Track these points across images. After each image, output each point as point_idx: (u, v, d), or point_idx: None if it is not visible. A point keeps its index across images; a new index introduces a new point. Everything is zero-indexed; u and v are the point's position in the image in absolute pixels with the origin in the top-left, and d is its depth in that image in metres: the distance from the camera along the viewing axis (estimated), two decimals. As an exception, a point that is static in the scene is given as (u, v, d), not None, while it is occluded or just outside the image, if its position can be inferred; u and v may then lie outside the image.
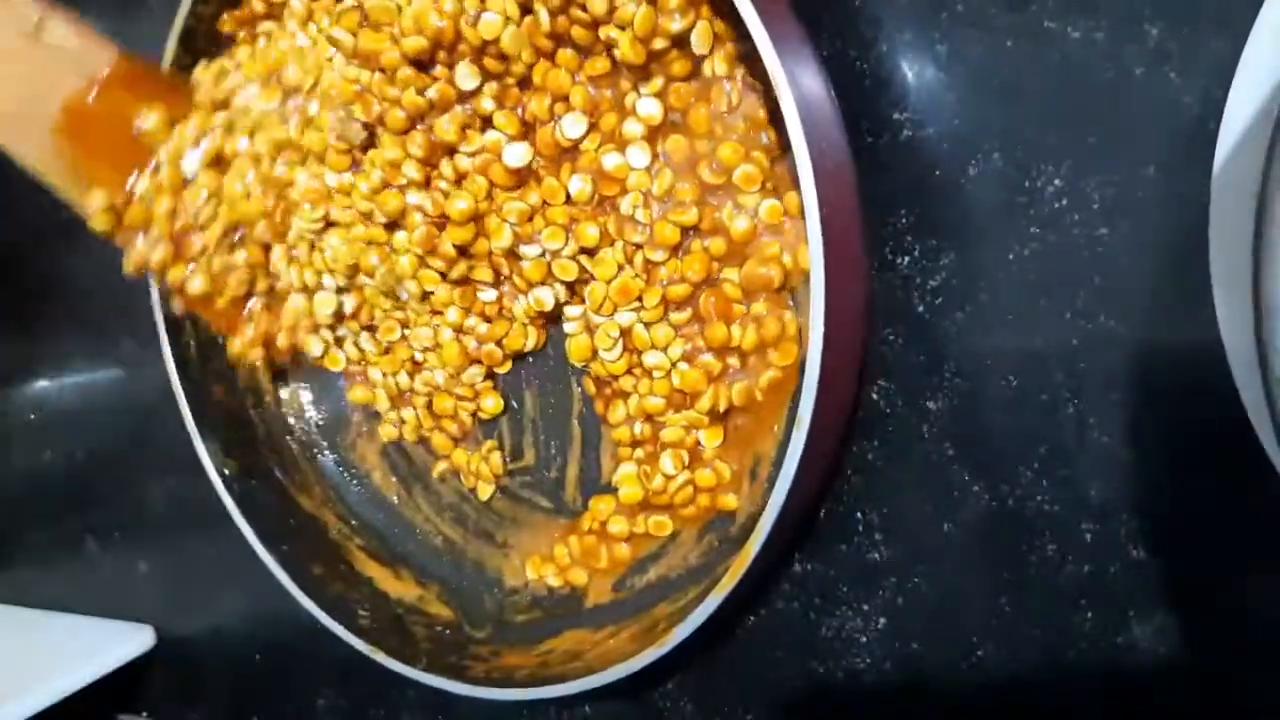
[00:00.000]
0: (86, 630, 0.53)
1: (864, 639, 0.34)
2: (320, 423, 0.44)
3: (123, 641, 0.51)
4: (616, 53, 0.30)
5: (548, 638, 0.37)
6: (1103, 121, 0.28)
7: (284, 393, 0.44)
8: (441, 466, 0.41)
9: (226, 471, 0.41)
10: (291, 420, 0.44)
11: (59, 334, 0.54)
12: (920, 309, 0.31)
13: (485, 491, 0.40)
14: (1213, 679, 0.29)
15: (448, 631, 0.39)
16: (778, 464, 0.30)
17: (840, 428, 0.32)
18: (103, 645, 0.51)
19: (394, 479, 0.42)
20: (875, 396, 0.32)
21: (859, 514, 0.33)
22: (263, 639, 0.49)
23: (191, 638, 0.51)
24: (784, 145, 0.29)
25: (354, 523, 0.43)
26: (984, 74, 0.29)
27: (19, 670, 0.48)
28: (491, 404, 0.38)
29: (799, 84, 0.27)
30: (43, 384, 0.55)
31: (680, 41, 0.30)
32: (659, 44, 0.30)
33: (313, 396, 0.44)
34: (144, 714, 0.54)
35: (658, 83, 0.31)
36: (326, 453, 0.44)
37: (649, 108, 0.31)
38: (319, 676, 0.47)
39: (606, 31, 0.30)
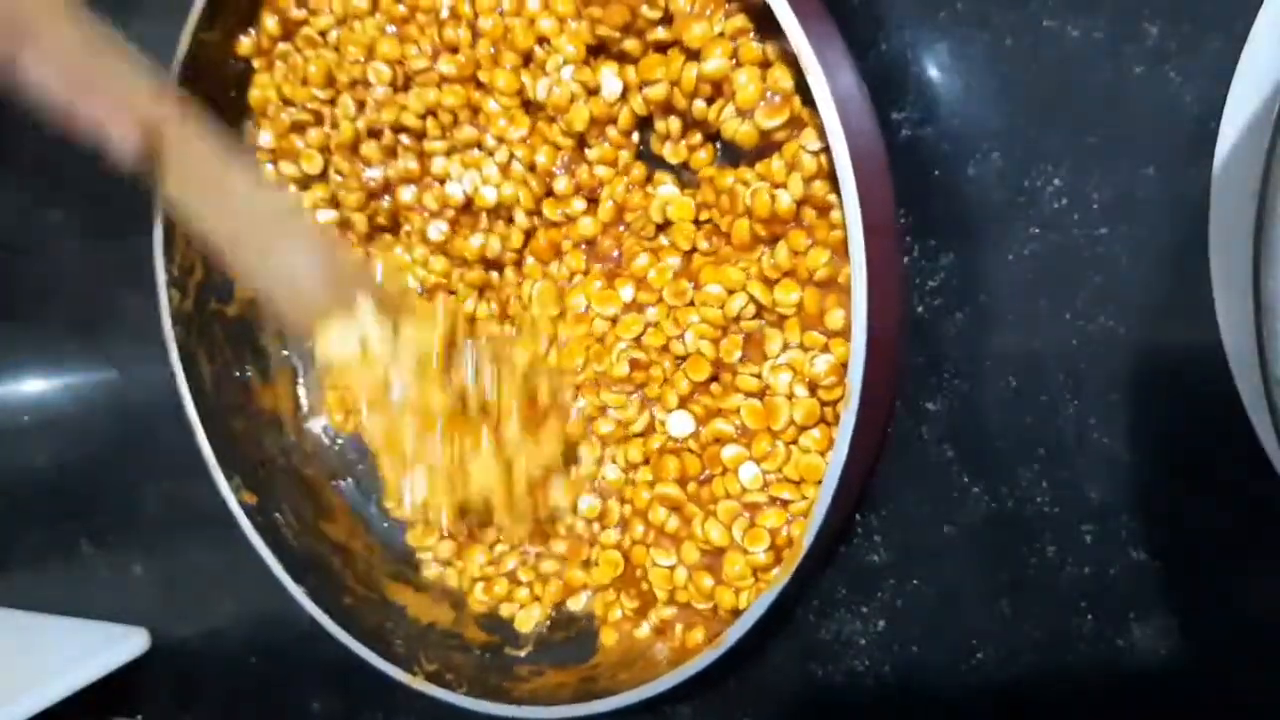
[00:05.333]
0: (81, 633, 0.52)
1: (863, 641, 0.34)
2: (341, 450, 0.44)
3: (117, 645, 0.51)
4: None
5: (593, 654, 0.37)
6: (1102, 121, 0.28)
7: (306, 424, 0.43)
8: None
9: (246, 501, 0.40)
10: (310, 449, 0.43)
11: (54, 336, 0.53)
12: (919, 309, 0.31)
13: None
14: (1213, 679, 0.29)
15: (488, 655, 0.38)
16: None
17: (874, 450, 0.32)
18: (97, 648, 0.50)
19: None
20: (874, 397, 0.32)
21: (858, 515, 0.33)
22: (258, 642, 0.49)
23: (186, 641, 0.51)
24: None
25: (382, 550, 0.42)
26: (983, 73, 0.29)
27: (13, 673, 0.48)
28: None
29: (837, 84, 0.27)
30: (37, 386, 0.55)
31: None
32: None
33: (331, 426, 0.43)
34: (138, 718, 0.53)
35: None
36: (348, 481, 0.43)
37: None
38: (314, 680, 0.47)
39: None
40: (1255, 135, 0.26)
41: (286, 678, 0.48)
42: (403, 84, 0.36)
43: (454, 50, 0.35)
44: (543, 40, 0.33)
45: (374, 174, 0.37)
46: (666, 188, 0.33)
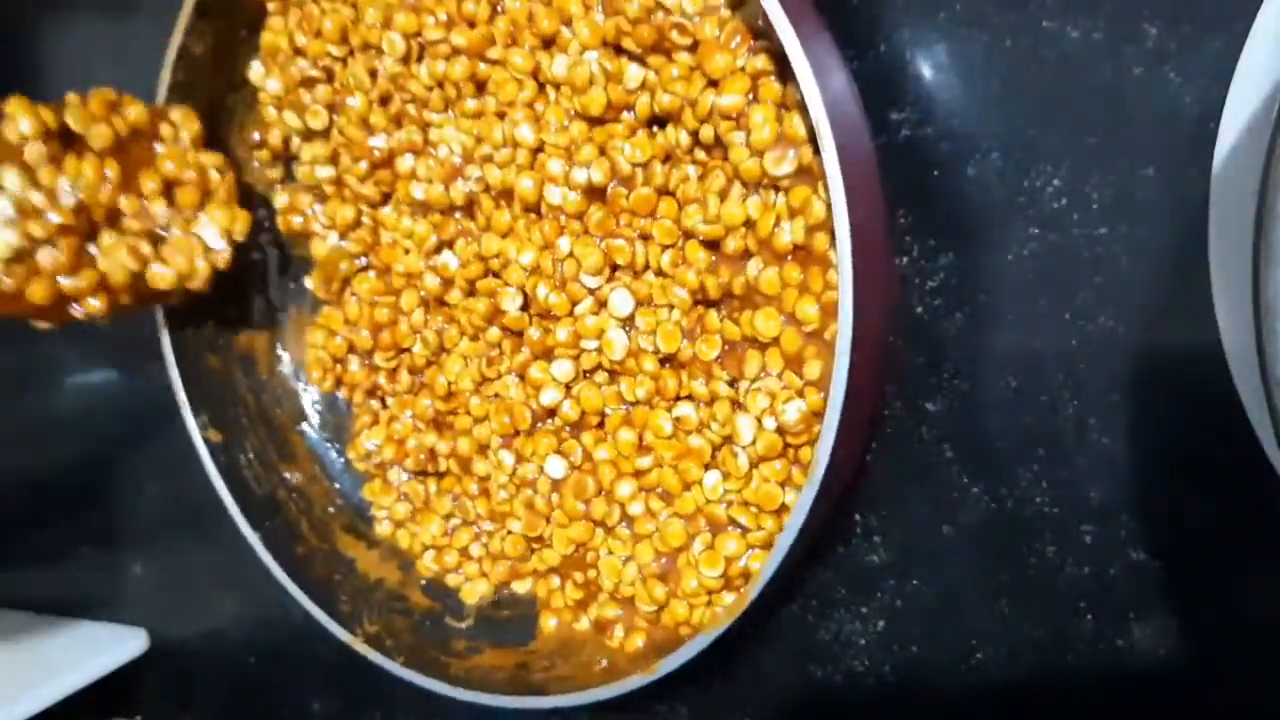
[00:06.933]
0: (80, 634, 0.52)
1: (863, 642, 0.34)
2: (312, 399, 0.43)
3: (116, 645, 0.51)
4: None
5: (532, 638, 0.37)
6: (1102, 121, 0.28)
7: (279, 366, 0.43)
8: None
9: (211, 440, 0.40)
10: (281, 392, 0.43)
11: (54, 336, 0.53)
12: (919, 310, 0.31)
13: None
14: (1213, 680, 0.29)
15: (428, 623, 0.39)
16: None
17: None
18: (96, 649, 0.50)
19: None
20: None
21: (857, 516, 0.33)
22: (257, 643, 0.49)
23: (185, 642, 0.51)
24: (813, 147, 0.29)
25: (340, 501, 0.42)
26: (983, 74, 0.29)
27: (12, 674, 0.48)
28: None
29: (828, 86, 0.27)
30: (36, 387, 0.55)
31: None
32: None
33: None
34: (137, 718, 0.53)
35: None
36: (314, 426, 0.43)
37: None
38: (313, 680, 0.47)
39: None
40: (1255, 135, 0.26)
41: (286, 678, 0.48)
42: (417, 55, 0.36)
43: (471, 25, 0.34)
44: (566, 24, 0.32)
45: (378, 142, 0.37)
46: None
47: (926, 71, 0.30)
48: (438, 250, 0.37)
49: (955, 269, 0.30)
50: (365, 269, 0.40)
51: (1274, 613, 0.28)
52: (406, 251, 0.38)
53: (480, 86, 0.35)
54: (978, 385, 0.31)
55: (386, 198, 0.38)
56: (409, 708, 0.44)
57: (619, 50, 0.31)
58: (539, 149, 0.33)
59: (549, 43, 0.33)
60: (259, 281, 0.43)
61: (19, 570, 0.57)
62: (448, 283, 0.37)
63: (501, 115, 0.34)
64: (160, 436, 0.48)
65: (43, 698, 0.46)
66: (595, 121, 0.32)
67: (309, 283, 0.41)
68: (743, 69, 0.29)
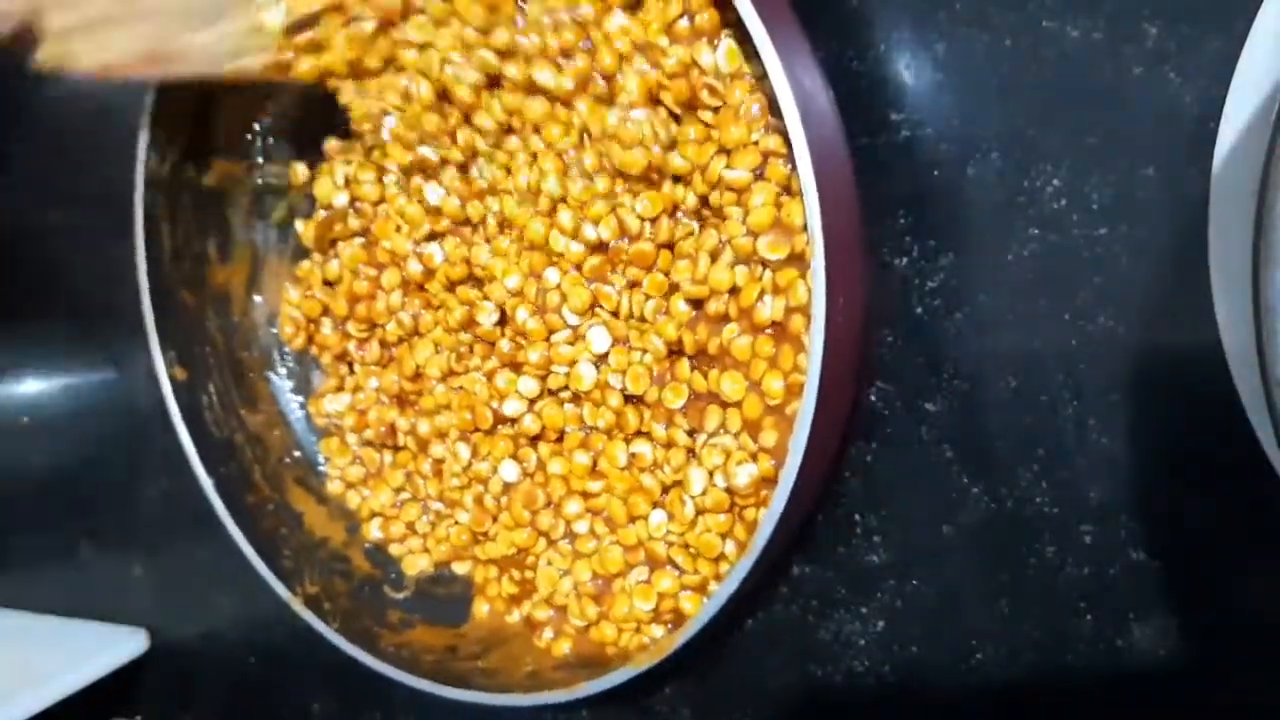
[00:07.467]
0: (79, 634, 0.52)
1: (862, 642, 0.34)
2: (281, 348, 0.43)
3: (116, 645, 0.51)
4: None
5: (465, 621, 0.38)
6: (1102, 121, 0.28)
7: (252, 310, 0.43)
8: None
9: (176, 377, 0.40)
10: (251, 337, 0.43)
11: (51, 336, 0.53)
12: (919, 310, 0.31)
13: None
14: (1213, 680, 0.29)
15: (367, 589, 0.39)
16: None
17: (839, 432, 0.32)
18: (96, 649, 0.50)
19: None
20: (874, 398, 0.32)
21: (857, 516, 0.33)
22: (257, 643, 0.49)
23: (185, 642, 0.51)
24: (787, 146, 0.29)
25: (296, 454, 0.42)
26: (982, 74, 0.29)
27: (12, 674, 0.48)
28: None
29: (800, 84, 0.27)
30: (35, 386, 0.55)
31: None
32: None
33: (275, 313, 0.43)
34: (137, 718, 0.53)
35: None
36: (281, 375, 0.43)
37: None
38: (313, 681, 0.47)
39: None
40: (1255, 135, 0.26)
41: (285, 678, 0.48)
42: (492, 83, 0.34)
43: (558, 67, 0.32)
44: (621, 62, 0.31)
45: (426, 151, 0.35)
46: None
47: (926, 71, 0.30)
48: (428, 239, 0.37)
49: (955, 269, 0.30)
50: (357, 234, 0.39)
51: (1273, 612, 0.28)
52: (398, 229, 0.37)
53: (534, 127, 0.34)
54: (978, 385, 0.31)
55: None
56: (407, 708, 0.44)
57: (655, 101, 0.31)
58: (561, 199, 0.33)
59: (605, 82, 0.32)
60: (243, 220, 0.42)
61: (19, 570, 0.57)
62: (430, 273, 0.37)
63: (534, 157, 0.33)
64: (160, 436, 0.48)
65: (42, 698, 0.46)
66: (626, 177, 0.32)
67: (299, 226, 0.41)
68: (755, 144, 0.29)
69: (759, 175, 0.29)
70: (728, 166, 0.29)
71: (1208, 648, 0.29)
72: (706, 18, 0.30)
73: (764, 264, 0.30)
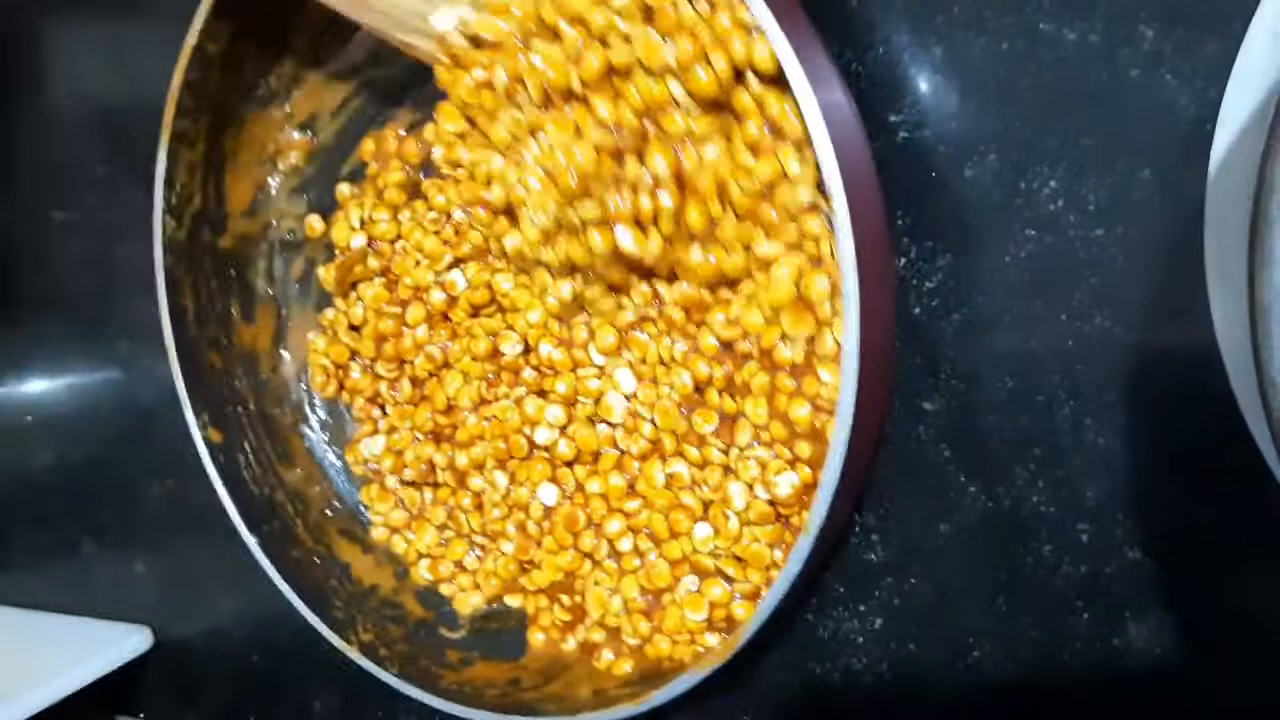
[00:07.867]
0: (83, 631, 0.52)
1: (860, 640, 0.34)
2: (313, 401, 0.43)
3: (119, 643, 0.51)
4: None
5: (524, 652, 0.37)
6: (1099, 123, 0.28)
7: (281, 366, 0.43)
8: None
9: (212, 439, 0.40)
10: (282, 393, 0.43)
11: (55, 335, 0.54)
12: (917, 311, 0.31)
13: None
14: (1210, 679, 0.29)
15: (423, 631, 0.39)
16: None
17: (870, 453, 0.32)
18: (99, 646, 0.51)
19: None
20: (872, 398, 0.32)
21: (856, 515, 0.33)
22: (260, 641, 0.49)
23: (189, 640, 0.51)
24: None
25: (337, 504, 0.42)
26: (980, 76, 0.29)
27: (16, 672, 0.48)
28: None
29: (822, 95, 0.26)
30: (39, 385, 0.55)
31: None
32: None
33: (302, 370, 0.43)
34: (140, 716, 0.54)
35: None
36: (314, 428, 0.43)
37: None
38: (316, 679, 0.47)
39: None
40: (1251, 138, 0.26)
41: (288, 676, 0.48)
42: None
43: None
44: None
45: (491, 196, 0.34)
46: None
47: (924, 74, 0.30)
48: (449, 267, 0.37)
49: (952, 270, 0.31)
50: (377, 274, 0.40)
51: (1269, 610, 0.28)
52: (417, 264, 0.38)
53: None
54: (975, 385, 0.31)
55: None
56: (410, 707, 0.44)
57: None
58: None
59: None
60: (264, 279, 0.43)
61: (22, 568, 0.57)
62: (453, 300, 0.37)
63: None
64: (163, 434, 0.48)
65: (46, 695, 0.46)
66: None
67: (320, 273, 0.41)
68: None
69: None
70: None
71: (1203, 646, 0.29)
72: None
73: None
